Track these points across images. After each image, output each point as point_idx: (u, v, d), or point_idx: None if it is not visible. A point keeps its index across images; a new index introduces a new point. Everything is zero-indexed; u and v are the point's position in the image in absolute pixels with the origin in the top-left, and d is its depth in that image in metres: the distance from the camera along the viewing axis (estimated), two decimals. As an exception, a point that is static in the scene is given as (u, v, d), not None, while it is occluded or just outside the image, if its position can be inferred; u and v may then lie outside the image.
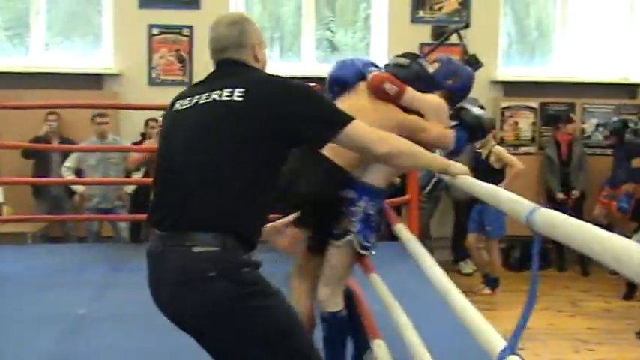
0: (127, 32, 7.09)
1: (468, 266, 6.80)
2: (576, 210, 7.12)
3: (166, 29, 7.16)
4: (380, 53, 7.18)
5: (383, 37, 7.37)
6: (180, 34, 7.15)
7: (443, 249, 6.78)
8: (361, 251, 2.84)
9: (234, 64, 2.11)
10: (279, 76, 2.10)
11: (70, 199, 6.65)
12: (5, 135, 6.05)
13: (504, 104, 7.54)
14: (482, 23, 7.13)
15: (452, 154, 2.91)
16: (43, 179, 6.43)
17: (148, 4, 7.10)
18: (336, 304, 2.92)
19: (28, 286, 4.53)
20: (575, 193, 7.15)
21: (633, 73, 7.76)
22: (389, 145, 2.08)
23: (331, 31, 7.82)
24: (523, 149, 7.54)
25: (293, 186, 2.60)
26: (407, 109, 2.81)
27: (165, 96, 8.04)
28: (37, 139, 6.43)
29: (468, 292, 5.95)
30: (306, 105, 2.01)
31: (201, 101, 2.04)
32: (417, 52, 7.16)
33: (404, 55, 2.99)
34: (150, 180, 6.61)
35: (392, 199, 5.88)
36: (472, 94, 7.04)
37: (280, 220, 2.42)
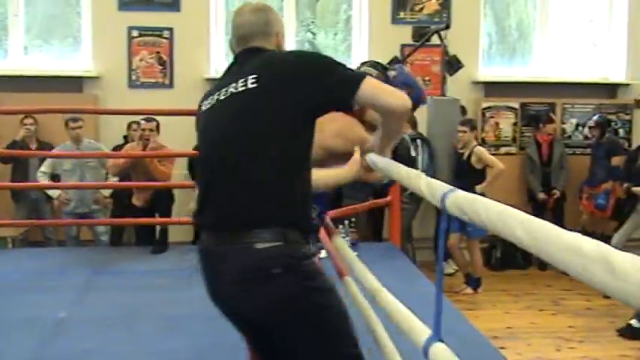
0: (107, 34, 7.04)
1: (449, 266, 6.82)
2: (556, 210, 7.18)
3: (146, 31, 7.09)
4: (361, 54, 7.17)
5: (364, 38, 7.36)
6: (160, 36, 7.08)
7: (425, 249, 6.79)
8: None
9: (257, 51, 2.10)
10: (286, 52, 2.15)
11: (49, 203, 6.59)
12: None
13: (485, 105, 7.57)
14: (462, 24, 7.17)
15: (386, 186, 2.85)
16: (21, 184, 6.37)
17: (127, 6, 7.05)
18: None
19: (9, 290, 4.52)
20: (556, 193, 7.19)
21: (613, 73, 7.83)
22: (403, 99, 2.06)
23: (312, 33, 7.82)
24: (504, 149, 7.58)
25: None
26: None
27: (145, 98, 7.97)
28: (14, 143, 6.39)
29: (450, 292, 5.99)
30: (318, 73, 1.99)
31: (222, 97, 2.04)
32: (397, 53, 7.14)
33: (370, 63, 2.96)
34: (125, 184, 6.48)
35: (374, 201, 5.91)
36: (454, 94, 7.04)
37: None
